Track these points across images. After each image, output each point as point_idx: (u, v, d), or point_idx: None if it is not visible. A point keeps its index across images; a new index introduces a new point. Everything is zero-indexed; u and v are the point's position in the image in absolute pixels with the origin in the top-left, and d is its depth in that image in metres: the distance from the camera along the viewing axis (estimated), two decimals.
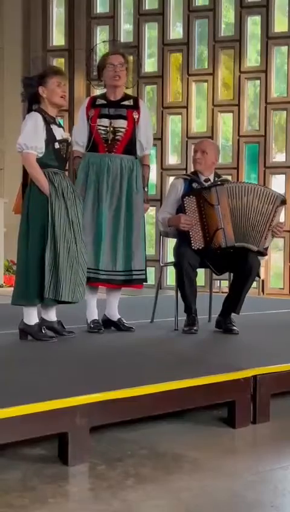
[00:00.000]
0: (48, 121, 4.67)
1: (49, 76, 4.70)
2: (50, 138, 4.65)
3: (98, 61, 5.14)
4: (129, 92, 5.30)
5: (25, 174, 4.72)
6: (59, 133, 4.73)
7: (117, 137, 5.02)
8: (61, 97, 4.71)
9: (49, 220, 4.59)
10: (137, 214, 5.09)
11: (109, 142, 5.02)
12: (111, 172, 5.00)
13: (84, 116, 5.07)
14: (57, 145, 4.68)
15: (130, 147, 5.08)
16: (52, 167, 4.67)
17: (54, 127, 4.70)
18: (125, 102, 5.11)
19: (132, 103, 5.13)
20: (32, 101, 4.74)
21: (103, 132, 5.01)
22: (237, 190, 5.11)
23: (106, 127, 5.01)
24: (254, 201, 5.09)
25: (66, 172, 4.85)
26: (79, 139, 5.05)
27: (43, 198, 4.62)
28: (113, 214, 5.02)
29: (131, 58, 5.24)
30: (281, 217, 5.27)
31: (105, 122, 5.02)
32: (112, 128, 5.01)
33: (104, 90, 5.18)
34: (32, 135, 4.61)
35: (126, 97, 5.15)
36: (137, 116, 5.10)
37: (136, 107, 5.13)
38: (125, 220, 5.04)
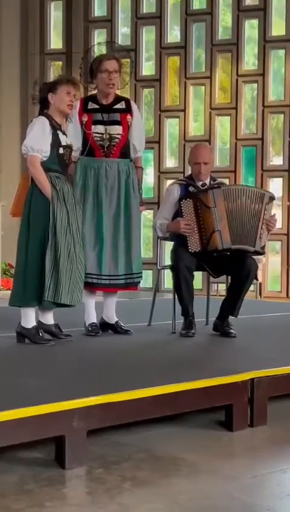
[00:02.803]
0: (54, 127, 4.69)
1: (60, 83, 4.74)
2: (55, 143, 4.68)
3: (91, 62, 5.11)
4: (122, 93, 5.28)
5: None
6: (63, 140, 4.75)
7: (113, 143, 5.02)
8: (68, 105, 4.72)
9: (51, 222, 4.60)
10: (135, 218, 5.10)
11: (106, 148, 5.02)
12: (109, 177, 5.00)
13: (77, 121, 5.03)
14: (61, 150, 4.71)
15: (125, 150, 5.08)
16: (54, 171, 4.69)
17: (59, 133, 4.72)
18: (118, 106, 5.09)
19: (124, 106, 5.11)
20: (43, 106, 4.77)
21: (98, 139, 5.00)
22: (232, 192, 5.13)
23: (102, 134, 5.00)
24: (247, 202, 5.13)
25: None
26: (74, 144, 5.00)
27: (45, 201, 4.63)
28: (113, 219, 5.02)
29: (124, 60, 5.23)
30: (272, 212, 5.29)
31: (100, 129, 5.00)
32: (108, 135, 5.00)
33: (95, 91, 5.17)
34: (38, 138, 4.64)
35: (118, 99, 5.12)
36: (130, 120, 5.10)
37: (128, 109, 5.11)
38: (124, 224, 5.05)
